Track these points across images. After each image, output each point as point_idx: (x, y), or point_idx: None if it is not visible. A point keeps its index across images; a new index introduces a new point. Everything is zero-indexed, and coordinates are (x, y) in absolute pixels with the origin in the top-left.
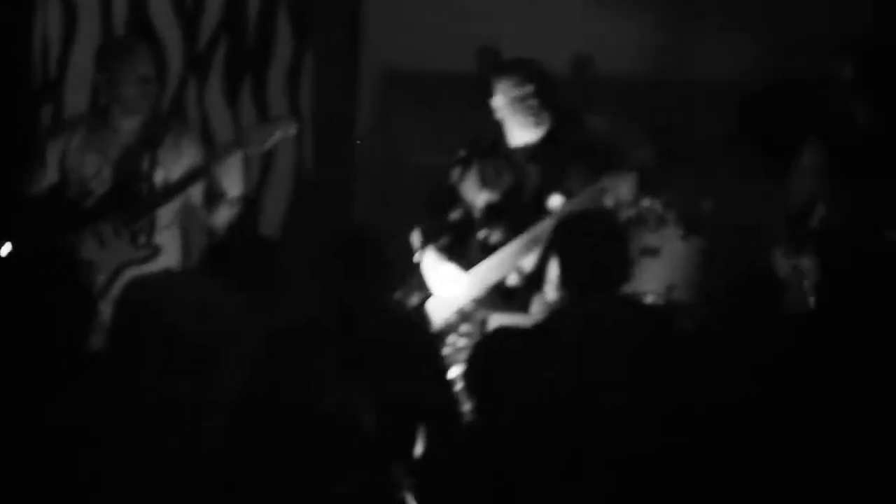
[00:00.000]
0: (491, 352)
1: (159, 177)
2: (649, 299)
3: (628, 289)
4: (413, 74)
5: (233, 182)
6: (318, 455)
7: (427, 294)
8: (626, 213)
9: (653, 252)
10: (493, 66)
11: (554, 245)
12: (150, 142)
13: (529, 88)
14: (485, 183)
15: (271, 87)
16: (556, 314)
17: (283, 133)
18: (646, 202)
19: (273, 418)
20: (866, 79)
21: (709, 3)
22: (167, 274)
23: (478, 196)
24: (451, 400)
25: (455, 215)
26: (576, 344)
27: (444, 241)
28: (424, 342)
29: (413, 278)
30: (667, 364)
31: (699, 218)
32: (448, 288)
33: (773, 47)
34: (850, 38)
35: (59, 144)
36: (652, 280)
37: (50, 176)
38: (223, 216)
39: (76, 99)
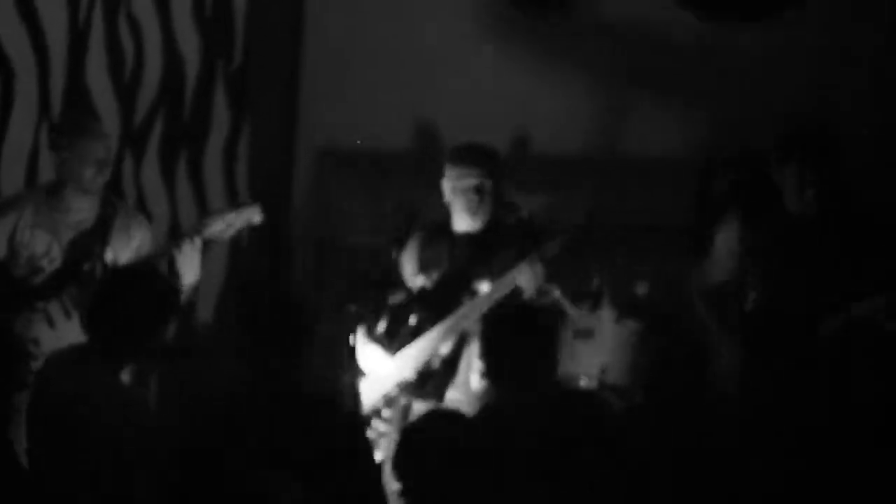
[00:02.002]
0: (422, 436)
1: (108, 258)
2: (582, 382)
3: (561, 372)
4: (350, 152)
5: (190, 269)
6: None
7: (360, 375)
8: (538, 302)
9: (586, 334)
10: (451, 149)
11: (482, 337)
12: (101, 222)
13: (471, 182)
14: (422, 267)
15: (207, 164)
16: (487, 408)
17: (247, 220)
18: (553, 292)
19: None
20: (791, 160)
21: (647, 82)
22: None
23: (415, 279)
24: (379, 488)
25: (395, 298)
26: (507, 438)
27: (381, 324)
28: (352, 429)
29: (347, 359)
30: (596, 449)
31: (633, 301)
32: (375, 371)
33: (716, 124)
34: (789, 121)
35: (9, 220)
36: (585, 362)
37: None
38: None
39: (12, 171)
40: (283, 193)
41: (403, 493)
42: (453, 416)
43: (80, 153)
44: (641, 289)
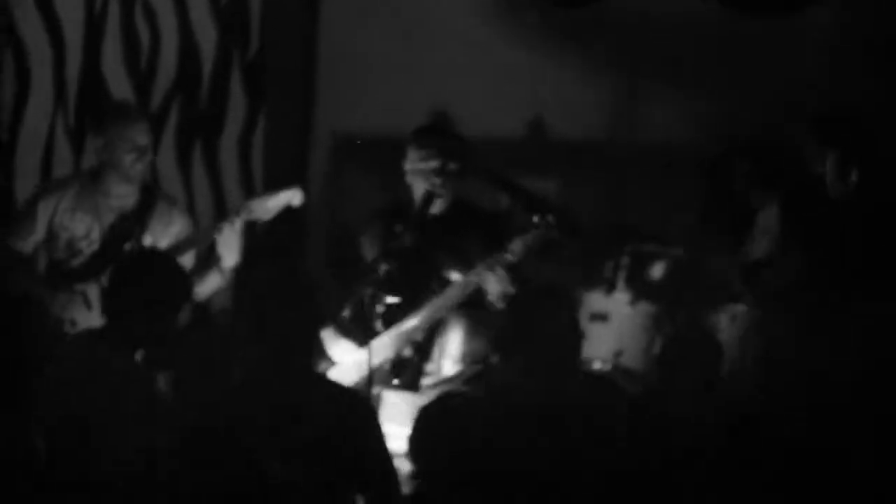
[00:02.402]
0: (436, 417)
1: (147, 243)
2: (597, 365)
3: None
4: (365, 138)
5: (230, 252)
6: None
7: (331, 364)
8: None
9: (601, 317)
10: (412, 133)
11: (508, 318)
12: (141, 207)
13: (434, 164)
14: (385, 253)
15: (223, 151)
16: (503, 384)
17: (287, 201)
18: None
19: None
20: (834, 145)
21: (661, 66)
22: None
23: (379, 265)
24: (390, 465)
25: (362, 285)
26: (520, 414)
27: (346, 312)
28: (363, 407)
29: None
30: (610, 432)
31: (648, 283)
32: (343, 360)
33: (726, 112)
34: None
35: (50, 203)
36: (600, 345)
37: (38, 234)
38: (212, 284)
39: (28, 158)
40: (298, 180)
41: (417, 476)
42: (465, 398)
43: (119, 138)
44: (657, 272)
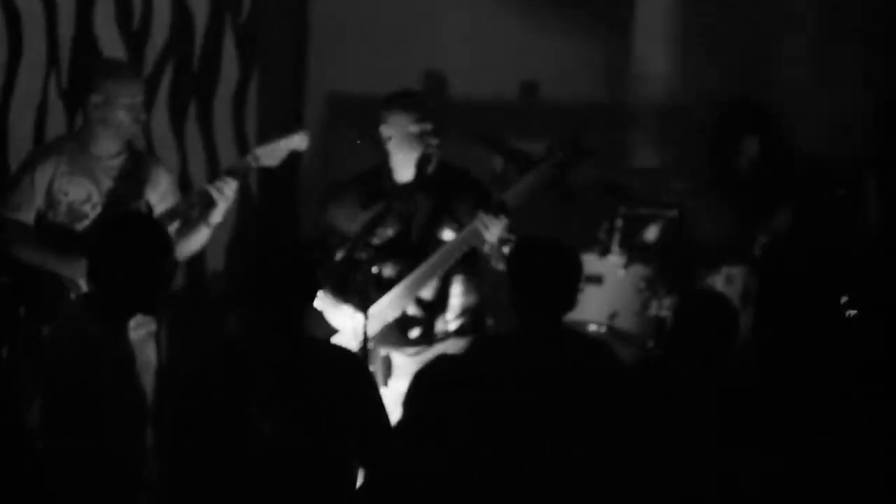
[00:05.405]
0: (433, 380)
1: (144, 203)
2: (591, 327)
3: (570, 317)
4: (358, 99)
5: (224, 205)
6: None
7: (332, 330)
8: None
9: (595, 280)
10: (394, 96)
11: (509, 271)
12: (134, 168)
13: (428, 126)
14: (375, 220)
15: (217, 113)
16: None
17: (295, 147)
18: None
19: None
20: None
21: (658, 27)
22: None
23: (352, 224)
24: (388, 428)
25: (361, 253)
26: (515, 374)
27: (333, 280)
28: (357, 365)
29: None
30: (604, 397)
31: (642, 246)
32: (346, 327)
33: (722, 71)
34: None
35: (47, 169)
36: (594, 308)
37: (38, 202)
38: (199, 241)
39: (21, 121)
40: None
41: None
42: (458, 361)
43: (116, 95)
44: (651, 233)
